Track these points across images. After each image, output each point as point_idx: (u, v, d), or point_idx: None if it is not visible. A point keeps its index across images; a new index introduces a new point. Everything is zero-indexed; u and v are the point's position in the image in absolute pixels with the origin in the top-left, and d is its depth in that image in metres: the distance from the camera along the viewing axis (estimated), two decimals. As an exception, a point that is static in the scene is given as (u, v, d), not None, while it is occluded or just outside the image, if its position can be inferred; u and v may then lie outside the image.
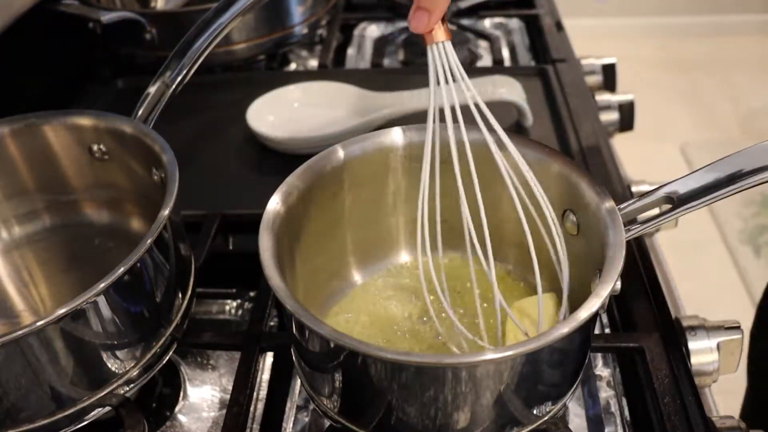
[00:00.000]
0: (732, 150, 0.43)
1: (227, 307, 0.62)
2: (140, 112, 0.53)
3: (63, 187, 0.56)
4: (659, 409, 0.45)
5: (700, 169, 0.43)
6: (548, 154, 0.47)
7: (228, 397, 0.49)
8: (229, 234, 0.65)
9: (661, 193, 0.43)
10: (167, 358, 0.47)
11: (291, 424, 0.51)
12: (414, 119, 0.46)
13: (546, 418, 0.41)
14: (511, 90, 0.72)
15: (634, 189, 0.67)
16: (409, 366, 0.36)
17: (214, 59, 0.78)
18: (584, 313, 0.36)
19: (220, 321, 0.61)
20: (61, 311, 0.38)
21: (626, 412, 0.50)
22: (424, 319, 0.50)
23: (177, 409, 0.51)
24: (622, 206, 0.43)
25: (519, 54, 0.99)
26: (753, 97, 2.32)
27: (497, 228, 0.51)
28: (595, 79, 0.90)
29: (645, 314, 0.52)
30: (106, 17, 0.79)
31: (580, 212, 0.45)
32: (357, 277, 0.54)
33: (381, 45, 0.97)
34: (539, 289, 0.44)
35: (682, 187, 0.43)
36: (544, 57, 0.91)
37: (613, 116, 0.83)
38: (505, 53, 0.98)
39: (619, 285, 0.52)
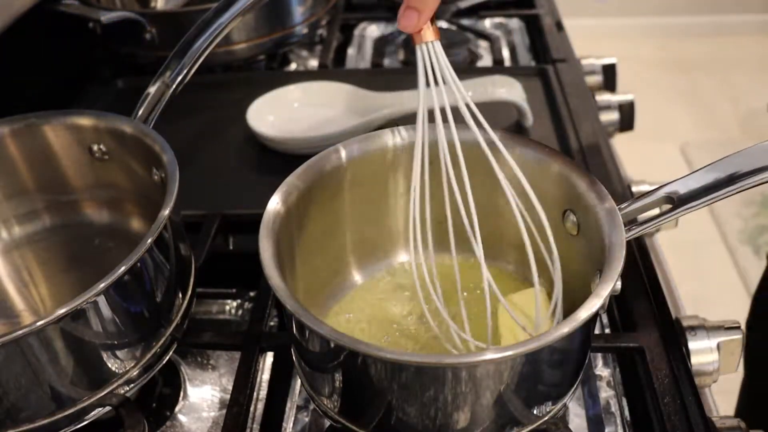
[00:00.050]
0: (732, 150, 0.43)
1: (227, 307, 0.62)
2: (140, 112, 0.53)
3: (63, 187, 0.56)
4: (659, 409, 0.45)
5: (700, 169, 0.43)
6: (548, 154, 0.47)
7: (228, 397, 0.49)
8: (229, 234, 0.65)
9: (661, 193, 0.43)
10: (167, 358, 0.47)
11: (291, 424, 0.51)
12: (414, 119, 0.46)
13: (546, 418, 0.41)
14: (511, 90, 0.72)
15: (634, 189, 0.67)
16: (409, 366, 0.36)
17: (214, 59, 0.78)
18: (584, 313, 0.36)
19: (220, 321, 0.61)
20: (61, 311, 0.38)
21: (626, 412, 0.50)
22: (423, 319, 0.50)
23: (177, 409, 0.51)
24: (622, 206, 0.43)
25: (519, 54, 0.99)
26: (753, 97, 2.32)
27: (498, 229, 0.51)
28: (595, 79, 0.90)
29: (645, 314, 0.52)
30: (106, 17, 0.79)
31: (580, 212, 0.45)
32: (357, 277, 0.54)
33: (381, 45, 0.97)
34: (536, 282, 0.43)
35: (682, 187, 0.43)
36: (544, 57, 0.91)
37: (613, 116, 0.83)
38: (505, 53, 0.98)
39: (619, 285, 0.52)
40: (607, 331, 0.56)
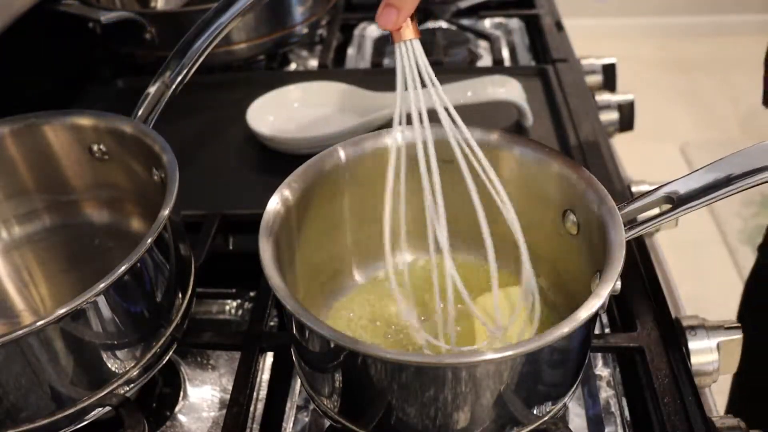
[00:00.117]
0: (732, 150, 0.43)
1: (227, 307, 0.62)
2: (140, 112, 0.53)
3: (63, 187, 0.56)
4: (659, 409, 0.45)
5: (700, 169, 0.43)
6: (548, 154, 0.47)
7: (228, 397, 0.49)
8: (229, 234, 0.65)
9: (661, 193, 0.43)
10: (167, 358, 0.47)
11: (291, 424, 0.51)
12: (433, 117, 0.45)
13: (546, 418, 0.41)
14: (511, 90, 0.72)
15: (634, 189, 0.67)
16: (409, 366, 0.36)
17: (214, 59, 0.78)
18: (584, 313, 0.36)
19: (220, 321, 0.61)
20: (61, 311, 0.38)
21: (626, 412, 0.50)
22: (422, 318, 0.50)
23: (177, 409, 0.51)
24: (622, 206, 0.43)
25: (519, 54, 0.99)
26: (753, 97, 2.31)
27: (498, 229, 0.51)
28: (595, 79, 0.90)
29: (645, 314, 0.52)
30: (106, 17, 0.79)
31: (580, 212, 0.45)
32: (357, 276, 0.54)
33: (381, 45, 0.97)
34: (494, 281, 0.43)
35: (682, 187, 0.43)
36: (544, 57, 0.91)
37: (613, 116, 0.83)
38: (505, 53, 0.98)
39: (619, 285, 0.52)
40: (607, 331, 0.56)
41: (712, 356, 0.50)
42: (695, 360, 0.50)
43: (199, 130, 0.78)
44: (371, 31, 1.04)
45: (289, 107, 0.77)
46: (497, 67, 0.90)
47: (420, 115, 0.44)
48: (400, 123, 0.44)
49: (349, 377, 0.40)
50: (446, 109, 0.44)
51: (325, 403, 0.43)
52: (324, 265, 0.51)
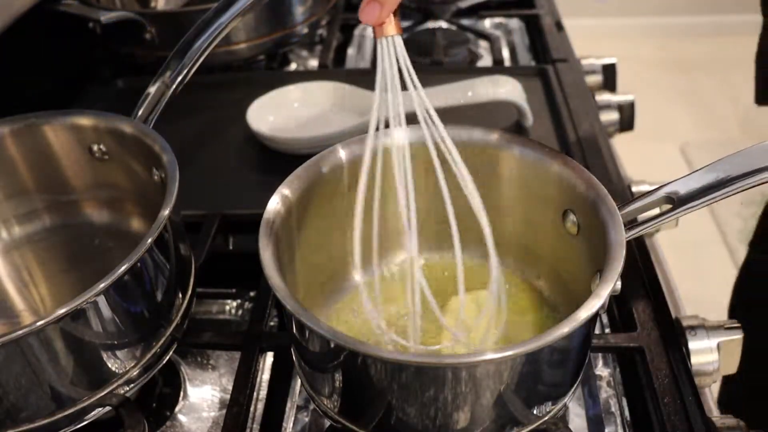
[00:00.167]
0: (732, 150, 0.43)
1: (227, 307, 0.62)
2: (140, 112, 0.53)
3: (63, 187, 0.56)
4: (659, 409, 0.45)
5: (700, 169, 0.43)
6: (548, 154, 0.47)
7: (228, 397, 0.49)
8: (229, 234, 0.65)
9: (661, 193, 0.43)
10: (167, 358, 0.47)
11: (291, 424, 0.51)
12: (414, 119, 0.45)
13: (546, 418, 0.41)
14: (511, 90, 0.72)
15: (634, 189, 0.67)
16: (409, 366, 0.36)
17: (214, 59, 0.78)
18: (584, 313, 0.36)
19: (220, 321, 0.61)
20: (61, 311, 0.38)
21: (626, 412, 0.50)
22: (404, 316, 0.50)
23: (177, 409, 0.51)
24: (622, 206, 0.43)
25: (519, 54, 0.99)
26: (753, 97, 2.32)
27: (496, 227, 0.51)
28: (595, 79, 0.90)
29: (645, 314, 0.52)
30: (106, 17, 0.79)
31: (580, 212, 0.45)
32: (357, 277, 0.54)
33: (381, 45, 0.97)
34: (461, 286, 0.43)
35: (682, 187, 0.43)
36: (544, 57, 0.91)
37: (613, 116, 0.83)
38: (505, 53, 0.98)
39: (619, 285, 0.52)
40: (607, 331, 0.56)
41: (712, 356, 0.50)
42: (695, 360, 0.50)
43: (199, 130, 0.78)
44: (371, 31, 1.04)
45: (289, 107, 0.77)
46: (497, 67, 0.90)
47: (399, 116, 0.44)
48: (377, 128, 0.44)
49: (349, 377, 0.40)
50: (426, 110, 0.44)
51: (325, 403, 0.43)
52: (324, 265, 0.51)
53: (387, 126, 0.44)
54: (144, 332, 0.45)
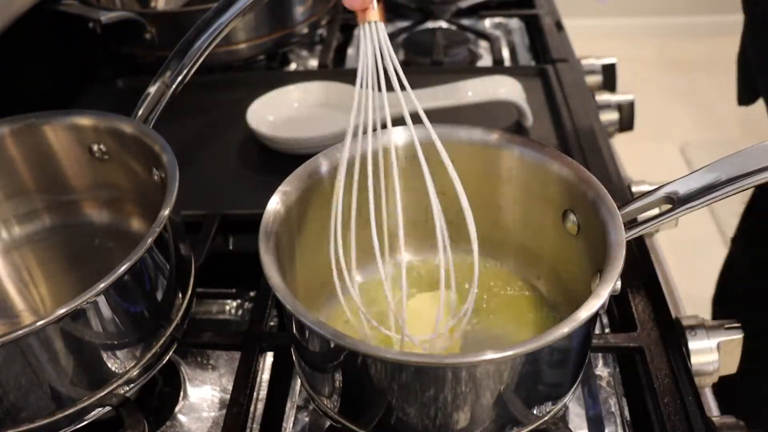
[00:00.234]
0: (732, 150, 0.43)
1: (227, 307, 0.62)
2: (140, 112, 0.53)
3: (63, 187, 0.56)
4: (659, 409, 0.45)
5: (700, 169, 0.43)
6: (548, 154, 0.47)
7: (228, 397, 0.49)
8: (229, 234, 0.65)
9: (661, 193, 0.43)
10: (167, 358, 0.47)
11: (291, 424, 0.51)
12: (414, 119, 0.46)
13: (546, 418, 0.41)
14: (511, 90, 0.72)
15: (634, 189, 0.67)
16: (409, 366, 0.36)
17: (214, 59, 0.78)
18: (584, 313, 0.36)
19: (220, 321, 0.61)
20: (61, 311, 0.38)
21: (626, 412, 0.50)
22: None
23: (177, 409, 0.51)
24: (622, 206, 0.43)
25: (519, 54, 0.99)
26: (752, 97, 2.32)
27: (497, 227, 0.52)
28: (595, 79, 0.90)
29: (645, 314, 0.52)
30: (106, 17, 0.79)
31: (580, 212, 0.45)
32: (357, 276, 0.54)
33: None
34: (442, 283, 0.43)
35: (682, 187, 0.43)
36: (544, 57, 0.91)
37: (613, 116, 0.83)
38: (505, 53, 0.98)
39: (619, 285, 0.52)
40: (607, 331, 0.56)
41: (712, 356, 0.50)
42: (695, 360, 0.50)
43: (199, 130, 0.78)
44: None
45: (289, 107, 0.77)
46: (497, 67, 0.90)
47: (383, 110, 0.44)
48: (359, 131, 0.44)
49: (349, 377, 0.40)
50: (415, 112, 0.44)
51: (325, 403, 0.43)
52: (324, 265, 0.51)
53: (374, 129, 0.45)
54: (144, 332, 0.45)
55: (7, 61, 0.76)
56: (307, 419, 0.51)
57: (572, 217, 0.46)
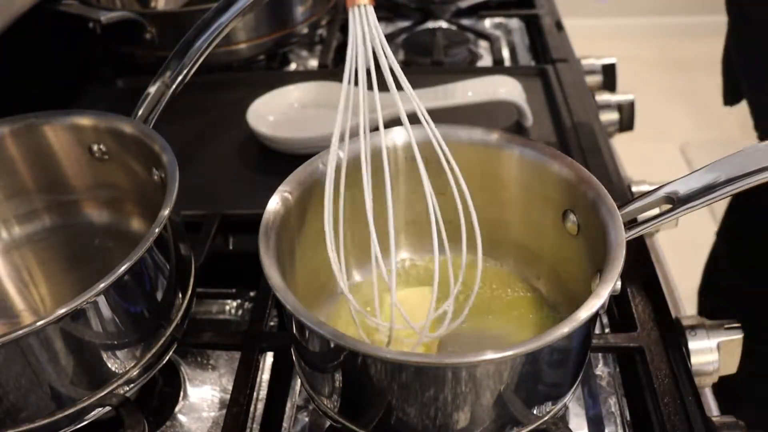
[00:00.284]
0: (732, 150, 0.43)
1: (227, 307, 0.62)
2: (140, 112, 0.53)
3: (63, 187, 0.56)
4: (659, 409, 0.45)
5: (700, 169, 0.43)
6: (548, 154, 0.47)
7: (228, 397, 0.49)
8: (229, 234, 0.65)
9: (661, 193, 0.43)
10: (167, 358, 0.47)
11: (291, 424, 0.51)
12: (414, 119, 0.46)
13: (546, 418, 0.41)
14: (511, 90, 0.72)
15: (634, 189, 0.67)
16: (409, 366, 0.36)
17: (214, 59, 0.78)
18: (584, 313, 0.36)
19: (220, 321, 0.61)
20: (61, 311, 0.38)
21: (626, 412, 0.50)
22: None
23: (177, 409, 0.51)
24: (622, 206, 0.43)
25: (519, 54, 0.99)
26: (753, 97, 2.32)
27: (497, 227, 0.52)
28: (595, 79, 0.90)
29: (645, 314, 0.52)
30: (106, 17, 0.79)
31: (580, 212, 0.45)
32: (357, 276, 0.54)
33: (381, 45, 0.97)
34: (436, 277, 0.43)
35: (682, 187, 0.43)
36: (544, 57, 0.91)
37: (613, 116, 0.83)
38: (505, 53, 0.98)
39: (619, 285, 0.52)
40: (607, 331, 0.56)
41: (712, 356, 0.50)
42: (695, 360, 0.50)
43: (199, 130, 0.78)
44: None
45: (289, 107, 0.77)
46: (497, 67, 0.90)
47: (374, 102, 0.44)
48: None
49: (349, 377, 0.40)
50: (411, 103, 0.43)
51: (325, 403, 0.43)
52: (324, 264, 0.51)
53: (365, 129, 0.44)
54: (144, 332, 0.45)
55: (7, 61, 0.76)
56: (307, 419, 0.51)
57: (572, 217, 0.46)
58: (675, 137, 2.23)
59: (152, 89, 0.54)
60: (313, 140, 0.70)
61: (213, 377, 0.54)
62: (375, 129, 0.48)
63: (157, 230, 0.42)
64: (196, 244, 0.58)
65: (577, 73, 0.84)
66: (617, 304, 0.55)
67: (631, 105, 0.84)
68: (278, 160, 0.72)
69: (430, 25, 1.01)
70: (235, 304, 0.62)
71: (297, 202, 0.46)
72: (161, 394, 0.52)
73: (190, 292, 0.49)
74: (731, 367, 0.51)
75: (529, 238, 0.51)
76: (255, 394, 0.50)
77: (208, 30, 0.54)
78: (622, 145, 0.85)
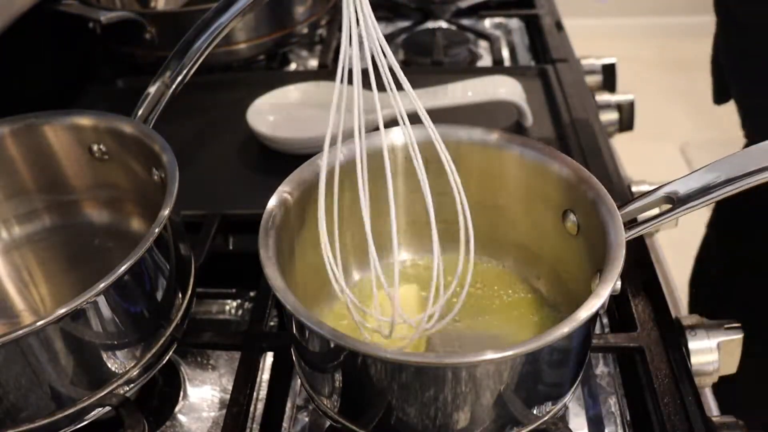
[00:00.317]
0: (732, 150, 0.43)
1: (227, 307, 0.62)
2: (140, 112, 0.53)
3: (63, 187, 0.56)
4: (659, 409, 0.45)
5: (700, 169, 0.43)
6: (548, 154, 0.47)
7: (228, 397, 0.49)
8: (229, 234, 0.65)
9: (661, 193, 0.43)
10: (167, 358, 0.47)
11: (291, 424, 0.51)
12: (414, 119, 0.46)
13: (546, 418, 0.41)
14: (511, 90, 0.72)
15: (634, 189, 0.67)
16: (409, 366, 0.36)
17: (214, 59, 0.78)
18: (584, 313, 0.36)
19: (220, 321, 0.61)
20: (61, 311, 0.38)
21: (626, 412, 0.50)
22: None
23: (177, 409, 0.51)
24: (622, 206, 0.43)
25: (519, 54, 0.99)
26: (753, 97, 2.32)
27: (497, 227, 0.52)
28: (595, 79, 0.90)
29: (645, 314, 0.52)
30: (106, 17, 0.79)
31: (580, 212, 0.45)
32: (357, 276, 0.54)
33: (381, 45, 0.97)
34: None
35: (682, 187, 0.43)
36: (544, 57, 0.91)
37: (613, 116, 0.83)
38: (505, 53, 0.98)
39: (619, 285, 0.52)
40: (607, 331, 0.56)
41: (712, 356, 0.50)
42: (695, 360, 0.50)
43: (199, 130, 0.78)
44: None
45: (289, 107, 0.77)
46: (497, 67, 0.90)
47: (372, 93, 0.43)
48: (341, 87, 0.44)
49: (349, 377, 0.40)
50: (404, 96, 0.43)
51: (325, 403, 0.43)
52: (324, 264, 0.51)
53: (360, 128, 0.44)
54: (144, 332, 0.45)
55: (7, 61, 0.76)
56: (307, 419, 0.51)
57: (572, 217, 0.46)
58: (675, 137, 2.23)
59: (152, 89, 0.54)
60: (313, 140, 0.70)
61: (213, 377, 0.54)
62: (374, 129, 0.48)
63: (157, 230, 0.42)
64: (196, 244, 0.58)
65: (577, 73, 0.84)
66: (617, 304, 0.55)
67: (631, 105, 0.84)
68: (278, 160, 0.72)
69: (430, 25, 1.01)
70: (235, 304, 0.62)
71: (297, 202, 0.46)
72: (161, 394, 0.52)
73: (190, 292, 0.49)
74: (731, 367, 0.51)
75: (529, 238, 0.51)
76: (255, 394, 0.50)
77: (208, 30, 0.54)
78: (622, 145, 0.85)
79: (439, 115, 0.48)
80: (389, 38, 0.99)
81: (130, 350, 0.44)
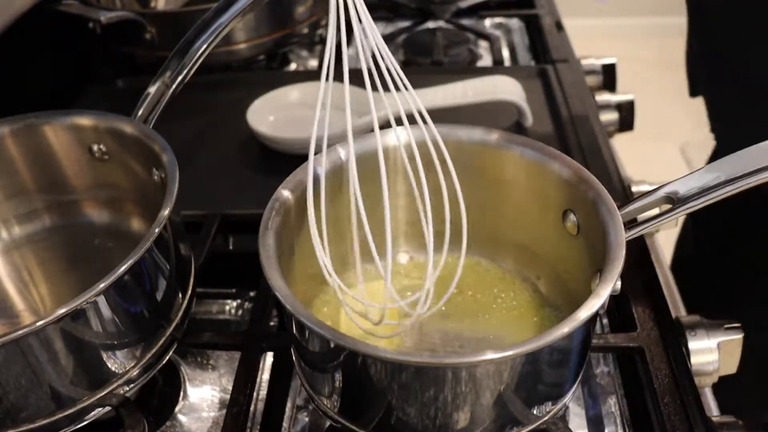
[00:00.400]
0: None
1: (227, 307, 0.62)
2: (140, 112, 0.53)
3: (63, 187, 0.56)
4: (659, 409, 0.45)
5: (700, 169, 0.43)
6: (548, 154, 0.47)
7: (228, 397, 0.49)
8: (229, 234, 0.65)
9: (661, 193, 0.43)
10: (167, 358, 0.47)
11: (291, 424, 0.51)
12: (414, 119, 0.45)
13: (546, 418, 0.41)
14: (511, 90, 0.72)
15: (634, 189, 0.67)
16: (409, 366, 0.36)
17: (214, 59, 0.78)
18: (584, 313, 0.36)
19: (220, 321, 0.61)
20: (61, 311, 0.38)
21: (626, 412, 0.50)
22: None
23: (177, 409, 0.51)
24: (622, 206, 0.43)
25: (519, 54, 0.99)
26: (753, 97, 2.32)
27: (497, 228, 0.52)
28: (595, 79, 0.90)
29: (645, 314, 0.52)
30: (106, 17, 0.79)
31: (580, 212, 0.45)
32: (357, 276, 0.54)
33: (381, 45, 0.97)
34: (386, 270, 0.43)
35: (682, 187, 0.43)
36: (544, 57, 0.91)
37: (613, 116, 0.83)
38: (505, 53, 0.98)
39: (619, 285, 0.52)
40: (607, 331, 0.56)
41: (712, 356, 0.50)
42: (695, 360, 0.50)
43: (199, 130, 0.78)
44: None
45: (289, 107, 0.77)
46: (497, 67, 0.90)
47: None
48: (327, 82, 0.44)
49: (349, 377, 0.40)
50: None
51: (325, 403, 0.43)
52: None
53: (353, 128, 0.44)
54: (144, 332, 0.45)
55: (7, 61, 0.76)
56: (307, 419, 0.51)
57: (572, 217, 0.46)
58: (675, 137, 2.23)
59: (152, 89, 0.54)
60: (313, 140, 0.70)
61: (213, 377, 0.54)
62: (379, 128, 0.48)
63: (157, 230, 0.42)
64: (196, 244, 0.58)
65: (577, 73, 0.84)
66: (617, 304, 0.55)
67: (630, 105, 0.84)
68: (278, 160, 0.72)
69: (430, 25, 1.01)
70: (235, 304, 0.62)
71: (297, 202, 0.46)
72: (161, 394, 0.52)
73: (190, 292, 0.49)
74: (731, 367, 0.51)
75: (529, 238, 0.51)
76: (255, 394, 0.50)
77: (208, 30, 0.54)
78: (622, 145, 0.85)
79: (439, 115, 0.48)
80: (389, 38, 0.99)
81: (130, 350, 0.44)
